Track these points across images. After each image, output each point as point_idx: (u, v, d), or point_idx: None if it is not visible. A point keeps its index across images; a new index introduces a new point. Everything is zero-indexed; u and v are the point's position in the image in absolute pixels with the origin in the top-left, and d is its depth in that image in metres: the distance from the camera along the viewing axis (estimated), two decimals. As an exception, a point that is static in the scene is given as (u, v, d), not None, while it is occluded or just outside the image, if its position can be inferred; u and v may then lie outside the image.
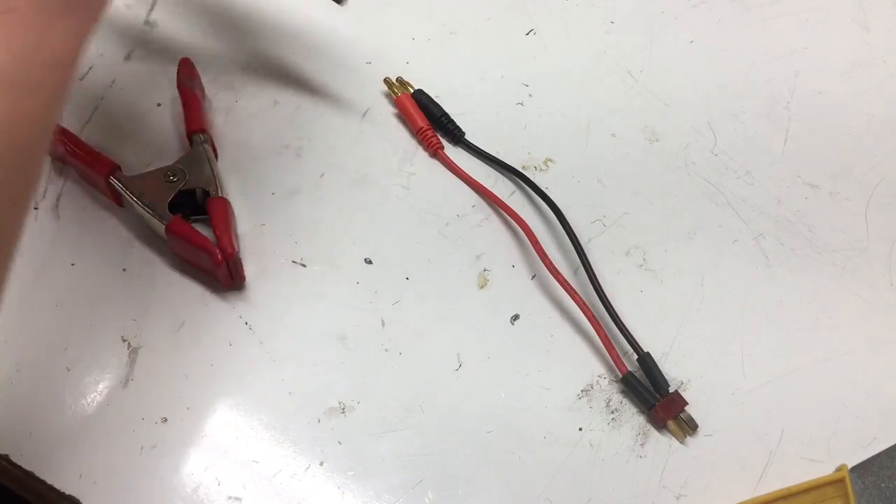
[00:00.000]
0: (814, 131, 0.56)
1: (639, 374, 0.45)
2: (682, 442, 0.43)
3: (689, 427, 0.43)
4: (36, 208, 0.50)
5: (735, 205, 0.52)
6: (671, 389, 0.44)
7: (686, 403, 0.43)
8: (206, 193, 0.48)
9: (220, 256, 0.45)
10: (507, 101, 0.56)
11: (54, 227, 0.49)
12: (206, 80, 0.55)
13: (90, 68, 0.56)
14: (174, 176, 0.48)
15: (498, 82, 0.57)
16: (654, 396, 0.44)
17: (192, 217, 0.48)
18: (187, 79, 0.53)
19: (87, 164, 0.49)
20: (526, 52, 0.59)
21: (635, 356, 0.45)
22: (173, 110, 0.54)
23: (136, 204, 0.47)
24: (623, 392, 0.45)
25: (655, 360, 0.45)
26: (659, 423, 0.44)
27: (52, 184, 0.51)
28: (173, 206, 0.47)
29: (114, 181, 0.48)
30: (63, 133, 0.50)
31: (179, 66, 0.53)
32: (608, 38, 0.60)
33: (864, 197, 0.53)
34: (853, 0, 0.63)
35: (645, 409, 0.44)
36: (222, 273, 0.46)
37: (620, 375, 0.45)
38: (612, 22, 0.61)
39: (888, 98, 0.57)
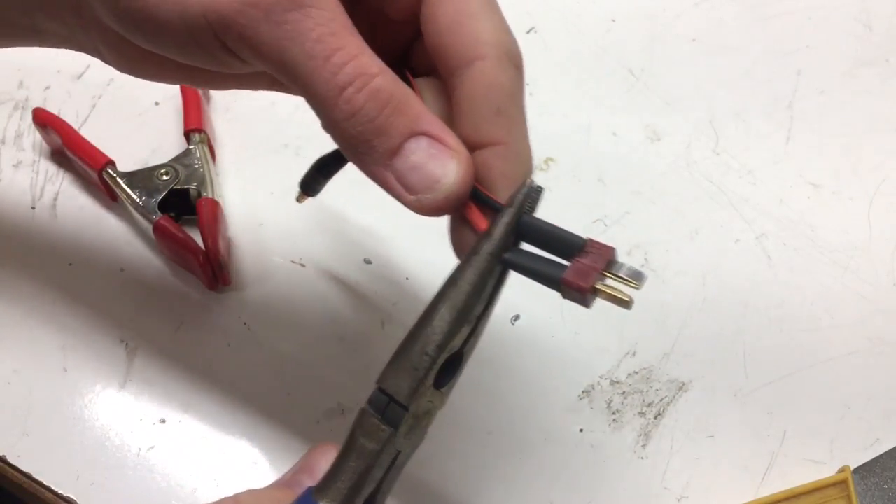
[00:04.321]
0: (816, 130, 0.55)
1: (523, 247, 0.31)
2: (628, 306, 0.28)
3: (632, 281, 0.28)
4: (33, 207, 0.50)
5: (737, 204, 0.52)
6: (585, 239, 0.29)
7: (613, 250, 0.29)
8: (200, 193, 0.48)
9: (203, 258, 0.45)
10: (507, 100, 0.56)
11: (52, 226, 0.49)
12: (204, 78, 0.55)
13: (88, 67, 0.56)
14: (166, 174, 0.48)
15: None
16: (557, 265, 0.29)
17: (185, 217, 0.48)
18: (187, 77, 0.53)
19: (82, 157, 0.48)
20: (526, 51, 0.58)
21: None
22: (172, 109, 0.54)
23: (126, 201, 0.47)
24: (519, 269, 0.30)
25: (656, 361, 0.45)
26: (584, 296, 0.28)
27: (50, 182, 0.51)
28: (165, 205, 0.47)
29: (106, 176, 0.48)
30: (60, 124, 0.50)
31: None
32: (609, 37, 0.60)
33: (867, 196, 0.52)
34: (855, -2, 0.62)
35: (556, 287, 0.29)
36: (206, 275, 0.46)
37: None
38: (613, 20, 0.60)
39: (891, 97, 0.57)
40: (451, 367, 0.29)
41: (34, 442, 0.42)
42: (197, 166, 0.49)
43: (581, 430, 0.44)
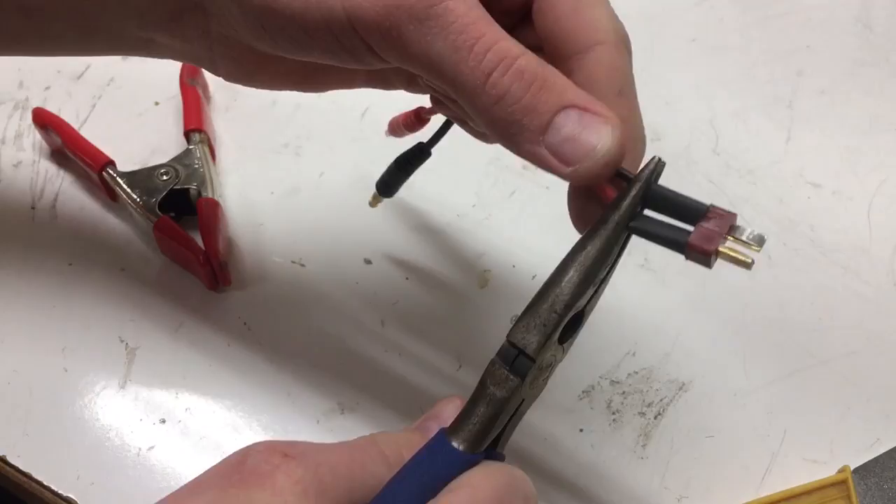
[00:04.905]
0: (816, 130, 0.55)
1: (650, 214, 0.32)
2: (749, 266, 0.29)
3: (753, 244, 0.29)
4: (33, 208, 0.50)
5: (737, 204, 0.52)
6: (708, 205, 0.30)
7: (735, 216, 0.30)
8: (200, 193, 0.48)
9: (203, 258, 0.45)
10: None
11: (52, 226, 0.49)
12: (206, 77, 0.55)
13: (88, 66, 0.56)
14: (166, 174, 0.48)
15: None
16: (681, 231, 0.30)
17: (185, 217, 0.48)
18: (189, 77, 0.53)
19: (82, 157, 0.49)
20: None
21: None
22: (172, 109, 0.54)
23: (127, 201, 0.47)
24: (646, 235, 0.31)
25: (656, 361, 0.45)
26: (707, 257, 0.30)
27: (50, 182, 0.51)
28: (165, 205, 0.47)
29: (106, 176, 0.48)
30: (60, 124, 0.50)
31: (183, 63, 0.53)
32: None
33: (867, 196, 0.52)
34: (856, -2, 0.62)
35: (680, 250, 0.30)
36: (206, 275, 0.46)
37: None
38: (613, 20, 0.60)
39: (891, 97, 0.57)
40: (573, 324, 0.31)
41: (34, 442, 0.42)
42: (197, 166, 0.49)
43: (581, 430, 0.44)
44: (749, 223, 0.30)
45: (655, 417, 0.44)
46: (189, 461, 0.42)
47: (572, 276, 0.29)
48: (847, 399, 0.45)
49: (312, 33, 0.30)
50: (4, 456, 0.42)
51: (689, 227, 0.30)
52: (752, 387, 0.45)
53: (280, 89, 0.36)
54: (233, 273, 0.47)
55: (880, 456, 0.42)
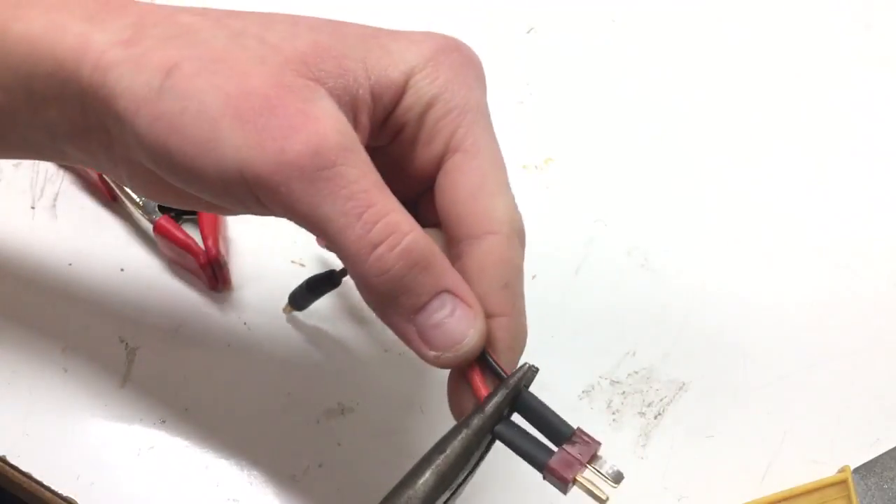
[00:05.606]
0: (817, 130, 0.55)
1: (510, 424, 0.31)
2: (604, 502, 0.29)
3: (610, 480, 0.30)
4: (33, 207, 0.50)
5: (737, 204, 0.52)
6: (574, 429, 0.31)
7: (599, 445, 0.30)
8: (201, 193, 0.48)
9: (203, 259, 0.45)
10: (507, 100, 0.56)
11: (51, 226, 0.49)
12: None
13: (88, 67, 0.56)
14: None
15: (498, 81, 0.57)
16: (544, 449, 0.30)
17: (185, 217, 0.48)
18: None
19: None
20: (526, 51, 0.58)
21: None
22: (172, 109, 0.54)
23: (126, 201, 0.47)
24: (507, 443, 0.31)
25: (656, 361, 0.45)
26: (564, 484, 0.30)
27: (50, 183, 0.51)
28: (165, 205, 0.47)
29: (106, 176, 0.48)
30: None
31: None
32: (609, 36, 0.60)
33: (867, 196, 0.52)
34: (856, -2, 0.62)
35: (540, 469, 0.30)
36: (207, 276, 0.46)
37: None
38: (613, 20, 0.60)
39: (891, 97, 0.57)
40: None
41: (34, 442, 0.42)
42: (197, 166, 0.49)
43: (581, 430, 0.44)
44: (610, 457, 0.30)
45: (655, 417, 0.44)
46: (189, 461, 0.42)
47: (428, 479, 0.29)
48: (847, 399, 0.45)
49: (204, 179, 0.29)
50: (4, 456, 0.42)
51: (553, 447, 0.30)
52: (751, 386, 0.45)
53: (192, 209, 0.35)
54: (233, 273, 0.47)
55: (880, 456, 0.42)
